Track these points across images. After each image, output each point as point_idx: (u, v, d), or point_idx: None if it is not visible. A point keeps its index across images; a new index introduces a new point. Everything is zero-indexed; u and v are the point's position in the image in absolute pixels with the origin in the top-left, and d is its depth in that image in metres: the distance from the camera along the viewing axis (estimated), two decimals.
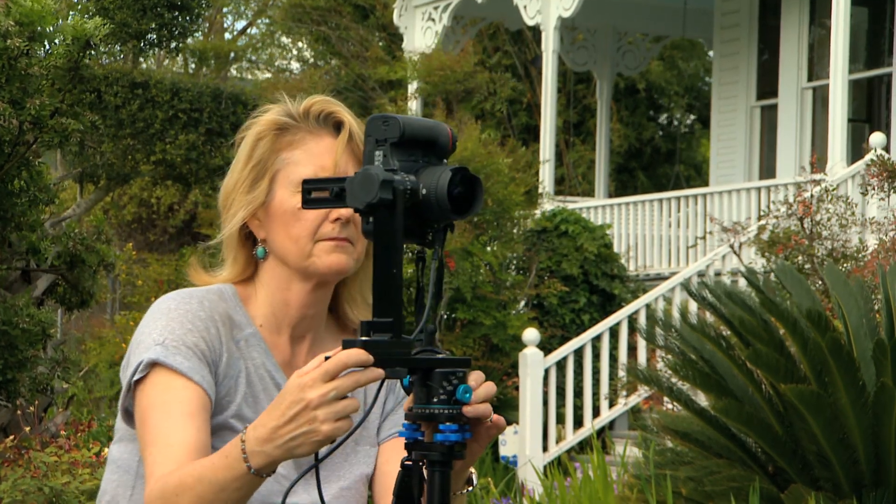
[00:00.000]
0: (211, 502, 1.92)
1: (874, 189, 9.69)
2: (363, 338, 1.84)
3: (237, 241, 2.17)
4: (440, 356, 1.90)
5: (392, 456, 2.17)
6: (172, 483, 1.95)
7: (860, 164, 12.03)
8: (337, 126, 2.17)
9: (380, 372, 1.82)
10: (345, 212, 2.09)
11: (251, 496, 1.94)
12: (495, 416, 1.89)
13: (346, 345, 1.83)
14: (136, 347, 2.08)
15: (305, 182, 1.94)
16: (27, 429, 7.43)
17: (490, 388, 1.89)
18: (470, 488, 2.00)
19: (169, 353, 2.05)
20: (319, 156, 2.14)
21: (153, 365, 2.05)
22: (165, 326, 2.08)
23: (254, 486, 1.90)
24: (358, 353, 1.80)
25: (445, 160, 1.91)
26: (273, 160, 2.15)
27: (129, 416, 2.11)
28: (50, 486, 6.33)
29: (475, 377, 1.89)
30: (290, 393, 1.83)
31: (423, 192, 1.86)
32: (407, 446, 1.91)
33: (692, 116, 23.11)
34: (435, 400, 1.87)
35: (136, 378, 2.06)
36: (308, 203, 1.93)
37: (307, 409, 1.81)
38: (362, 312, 2.21)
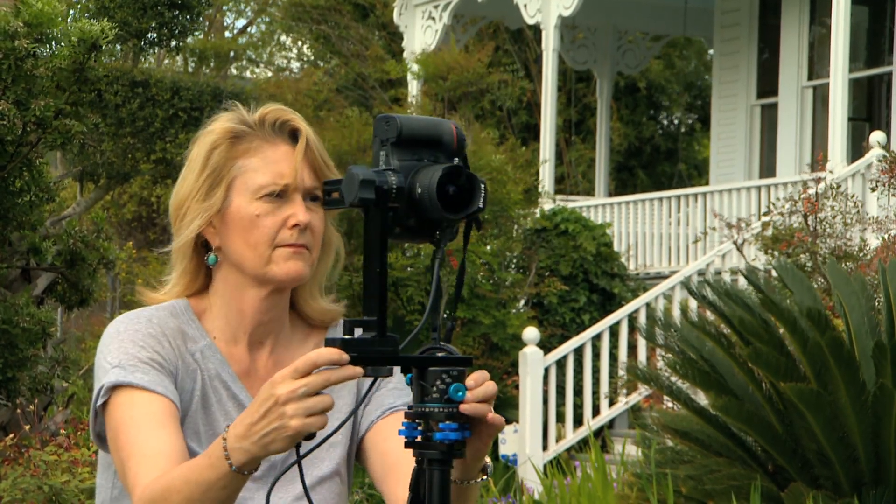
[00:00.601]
0: (199, 501, 1.94)
1: (884, 186, 9.67)
2: (345, 336, 1.85)
3: (190, 250, 2.18)
4: (440, 355, 1.90)
5: (389, 433, 2.15)
6: (159, 488, 1.97)
7: (861, 163, 12.03)
8: (292, 134, 2.18)
9: (355, 370, 1.83)
10: (302, 218, 2.11)
11: (237, 494, 1.95)
12: (490, 415, 1.88)
13: (328, 343, 1.85)
14: (97, 374, 2.12)
15: (326, 183, 1.97)
16: (27, 427, 7.43)
17: (490, 387, 1.88)
18: (485, 477, 2.00)
19: (127, 372, 2.08)
20: (276, 163, 2.15)
21: (114, 388, 2.08)
22: (118, 349, 2.11)
23: (238, 484, 1.93)
24: (329, 352, 1.83)
25: (457, 159, 1.90)
26: (229, 167, 2.15)
27: (103, 441, 2.14)
28: (49, 485, 6.33)
29: (476, 376, 1.89)
30: (264, 390, 1.86)
31: (419, 191, 1.87)
32: (407, 445, 1.91)
33: (693, 115, 23.11)
34: (427, 398, 1.87)
35: (99, 403, 2.10)
36: (329, 204, 1.94)
37: (276, 405, 1.84)
38: (321, 304, 2.22)
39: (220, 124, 2.17)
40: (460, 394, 1.87)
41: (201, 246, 2.18)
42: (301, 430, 1.84)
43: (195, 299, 2.19)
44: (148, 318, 2.15)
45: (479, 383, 1.88)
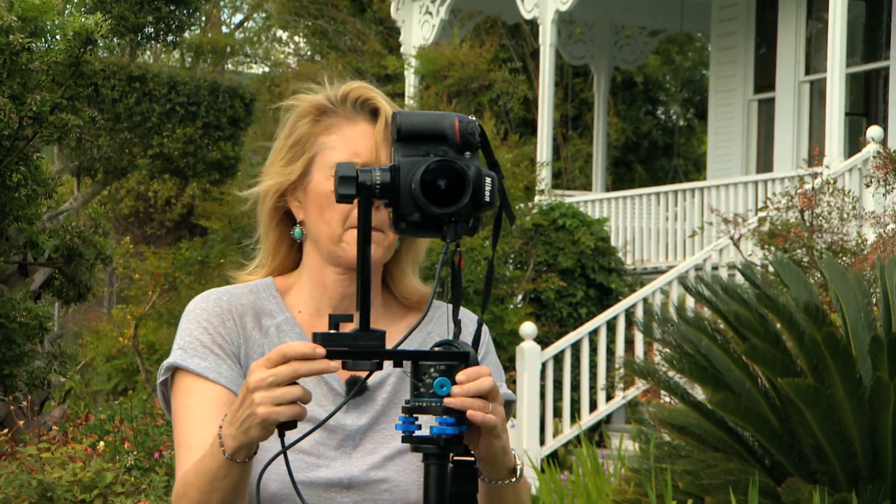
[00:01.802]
0: (208, 492, 1.98)
1: (879, 182, 9.67)
2: (331, 331, 1.86)
3: (274, 223, 2.20)
4: (437, 349, 1.90)
5: None
6: (182, 480, 2.03)
7: (858, 158, 12.03)
8: (373, 112, 2.18)
9: (327, 364, 1.85)
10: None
11: (243, 485, 1.97)
12: (471, 412, 1.86)
13: (314, 336, 1.87)
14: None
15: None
16: (21, 422, 7.43)
17: (482, 384, 1.87)
18: (513, 479, 2.00)
19: (187, 355, 2.13)
20: (353, 141, 2.16)
21: (175, 369, 2.15)
22: (185, 329, 2.16)
23: (237, 473, 1.95)
24: (302, 345, 1.85)
25: (469, 153, 1.89)
26: (311, 143, 2.18)
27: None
28: (37, 480, 6.33)
29: (468, 372, 1.88)
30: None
31: (413, 186, 1.87)
32: (403, 439, 1.91)
33: (691, 110, 23.12)
34: (415, 393, 1.88)
35: (160, 380, 2.18)
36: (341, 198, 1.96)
37: (248, 393, 1.88)
38: (411, 284, 2.22)
39: (308, 98, 2.20)
40: (444, 388, 1.87)
41: (287, 221, 2.21)
42: (268, 417, 1.86)
43: (282, 277, 2.23)
44: (219, 295, 2.19)
45: (470, 379, 1.87)
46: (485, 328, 2.17)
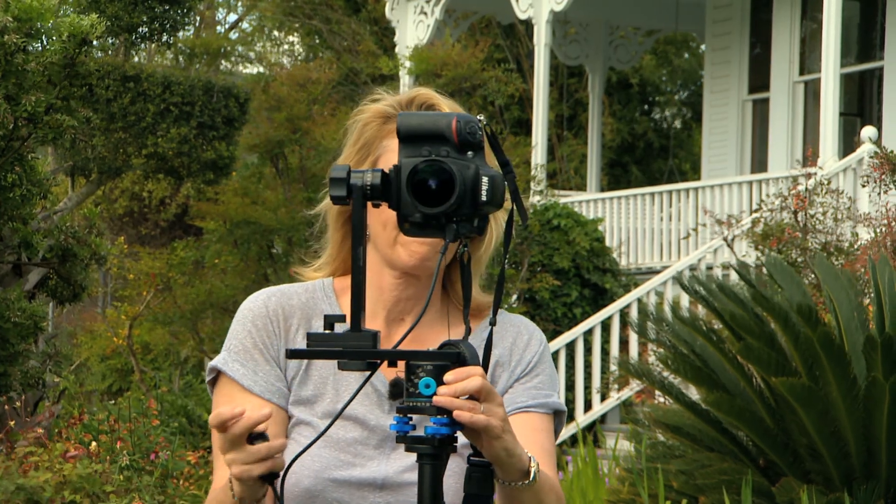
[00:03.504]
0: None
1: (875, 182, 9.68)
2: (325, 331, 1.88)
3: (339, 223, 2.23)
4: (428, 350, 1.91)
5: (528, 433, 2.15)
6: (207, 501, 2.10)
7: (852, 158, 12.04)
8: None
9: (254, 417, 1.89)
10: None
11: None
12: (466, 415, 1.86)
13: (307, 336, 1.89)
14: None
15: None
16: (12, 422, 7.42)
17: (469, 384, 1.87)
18: (526, 481, 1.99)
19: (230, 359, 2.18)
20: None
21: (218, 371, 2.20)
22: (233, 331, 2.21)
23: None
24: (219, 413, 1.90)
25: (472, 152, 1.90)
26: (377, 145, 2.20)
27: None
28: (17, 484, 6.31)
29: (456, 372, 1.88)
30: None
31: (402, 186, 1.88)
32: (398, 440, 1.91)
33: (688, 112, 23.12)
34: (407, 393, 1.89)
35: (207, 379, 2.23)
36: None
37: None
38: (477, 289, 2.24)
39: (375, 105, 2.22)
40: (430, 389, 1.87)
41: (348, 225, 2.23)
42: (242, 475, 1.91)
43: (342, 278, 2.25)
44: (268, 296, 2.22)
45: (458, 379, 1.87)
46: (538, 337, 2.23)
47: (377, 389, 2.17)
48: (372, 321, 2.21)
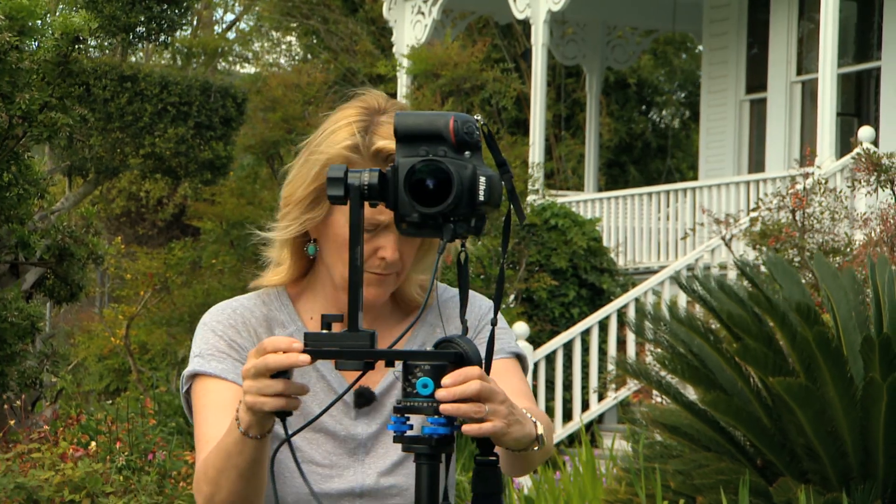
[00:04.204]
0: (225, 470, 2.03)
1: (861, 183, 9.70)
2: (322, 331, 1.89)
3: (290, 241, 2.23)
4: (426, 350, 1.91)
5: (500, 377, 2.12)
6: (204, 459, 2.09)
7: (849, 158, 12.05)
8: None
9: (294, 358, 1.88)
10: (390, 256, 2.16)
11: (258, 467, 2.01)
12: (474, 428, 1.86)
13: (304, 336, 1.91)
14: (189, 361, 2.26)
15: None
16: (12, 422, 7.42)
17: (468, 387, 1.86)
18: (535, 448, 2.01)
19: (205, 361, 2.20)
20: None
21: (194, 376, 2.20)
22: (201, 339, 2.23)
23: (250, 450, 1.99)
24: (278, 339, 1.90)
25: (469, 152, 1.89)
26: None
27: None
28: (16, 483, 6.30)
29: (455, 374, 1.87)
30: None
31: (399, 186, 1.89)
32: (395, 439, 1.91)
33: (686, 112, 23.11)
34: (404, 393, 1.89)
35: (184, 390, 2.24)
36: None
37: (244, 379, 1.95)
38: (412, 292, 2.26)
39: (337, 147, 2.17)
40: (427, 389, 1.87)
41: (301, 235, 2.23)
42: (252, 405, 1.92)
43: (293, 284, 2.27)
44: (233, 308, 2.24)
45: (456, 382, 1.86)
46: (479, 298, 2.26)
47: (343, 400, 2.18)
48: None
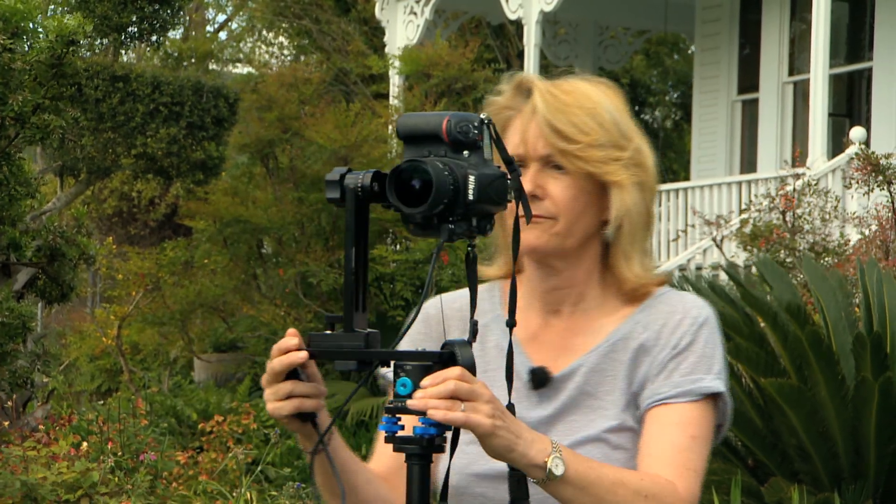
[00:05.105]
0: (324, 489, 2.06)
1: (857, 183, 9.71)
2: (326, 332, 1.91)
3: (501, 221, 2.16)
4: (413, 350, 1.92)
5: (648, 424, 2.08)
6: None
7: (841, 159, 12.06)
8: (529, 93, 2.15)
9: (293, 357, 1.91)
10: (528, 186, 2.08)
11: (330, 480, 2.00)
12: (439, 413, 1.84)
13: (308, 337, 1.92)
14: None
15: None
16: (6, 423, 7.41)
17: (443, 388, 1.86)
18: (543, 478, 1.94)
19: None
20: (517, 133, 2.14)
21: None
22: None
23: (316, 465, 1.99)
24: (280, 343, 1.93)
25: (467, 151, 1.89)
26: (506, 138, 2.14)
27: None
28: (21, 481, 6.31)
29: (434, 375, 1.87)
30: None
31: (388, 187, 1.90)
32: (386, 440, 1.91)
33: (678, 113, 23.13)
34: (395, 393, 1.90)
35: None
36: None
37: None
38: (633, 272, 2.15)
39: (494, 97, 2.17)
40: (405, 389, 1.88)
41: None
42: (273, 413, 1.94)
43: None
44: (435, 302, 2.23)
45: (434, 383, 1.86)
46: (693, 315, 2.11)
47: (522, 378, 2.14)
48: (528, 312, 2.18)
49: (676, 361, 2.11)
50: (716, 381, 2.10)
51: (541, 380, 2.13)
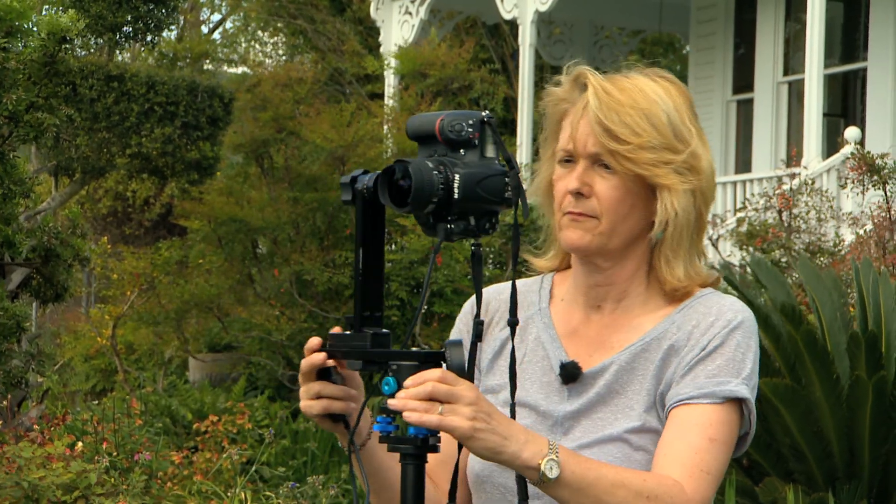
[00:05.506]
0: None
1: (853, 183, 9.72)
2: (346, 332, 1.94)
3: (551, 215, 2.18)
4: (409, 350, 1.92)
5: (669, 424, 2.05)
6: None
7: (836, 158, 12.07)
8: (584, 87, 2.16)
9: (311, 358, 1.94)
10: (572, 185, 2.08)
11: (368, 472, 2.04)
12: (414, 416, 1.84)
13: (328, 336, 1.96)
14: None
15: None
16: (0, 423, 7.40)
17: (422, 389, 1.85)
18: (536, 480, 1.93)
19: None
20: (570, 127, 2.13)
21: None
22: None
23: (365, 457, 2.02)
24: (308, 343, 1.96)
25: (464, 150, 1.90)
26: (555, 130, 2.16)
27: None
28: (27, 481, 6.31)
29: (416, 376, 1.87)
30: None
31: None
32: (381, 440, 1.91)
33: None
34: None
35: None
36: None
37: None
38: (675, 273, 2.12)
39: (553, 87, 2.18)
40: (386, 388, 1.89)
41: None
42: (305, 412, 1.97)
43: (565, 271, 2.24)
44: (494, 290, 2.25)
45: (415, 383, 1.86)
46: (727, 318, 2.07)
47: (553, 372, 2.14)
48: (572, 307, 2.18)
49: (704, 363, 2.07)
50: (741, 387, 2.06)
51: (571, 374, 2.12)
